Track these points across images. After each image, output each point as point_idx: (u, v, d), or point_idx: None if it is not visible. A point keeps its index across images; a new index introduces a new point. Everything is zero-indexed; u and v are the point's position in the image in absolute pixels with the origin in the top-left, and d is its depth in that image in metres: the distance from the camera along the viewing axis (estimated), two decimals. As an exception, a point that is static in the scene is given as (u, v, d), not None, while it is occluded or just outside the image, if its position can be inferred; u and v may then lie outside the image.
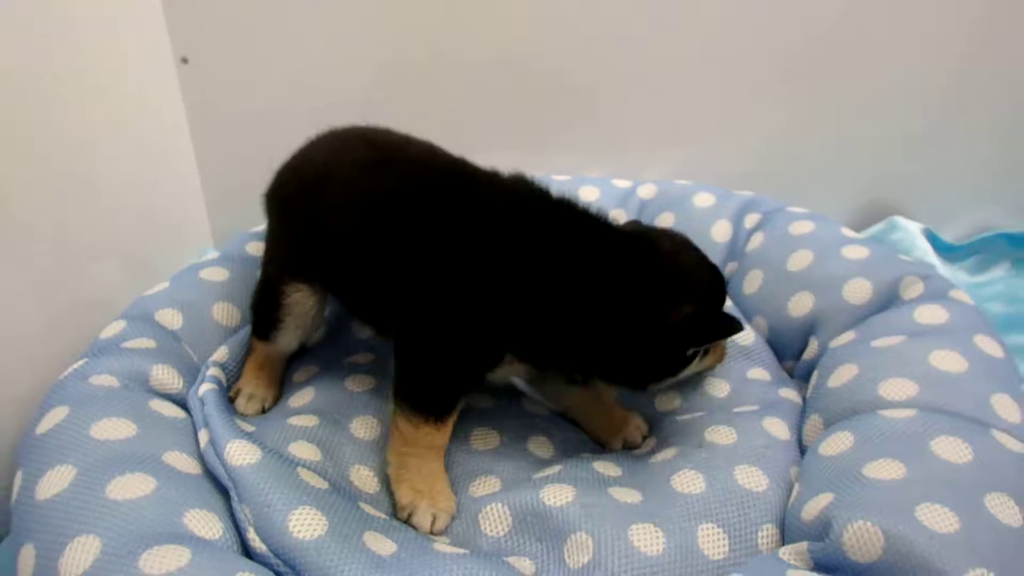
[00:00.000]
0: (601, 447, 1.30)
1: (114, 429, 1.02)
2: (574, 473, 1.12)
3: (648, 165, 1.81)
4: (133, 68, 1.64)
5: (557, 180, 1.73)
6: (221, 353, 1.34)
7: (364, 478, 1.13)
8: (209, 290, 1.41)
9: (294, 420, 1.19)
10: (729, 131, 1.81)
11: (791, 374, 1.40)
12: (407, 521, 1.06)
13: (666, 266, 1.12)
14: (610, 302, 1.07)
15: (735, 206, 1.60)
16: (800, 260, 1.42)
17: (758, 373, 1.37)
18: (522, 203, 1.12)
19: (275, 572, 0.91)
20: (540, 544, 1.03)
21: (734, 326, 1.10)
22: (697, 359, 1.17)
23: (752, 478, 1.08)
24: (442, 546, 1.00)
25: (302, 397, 1.29)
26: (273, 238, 1.32)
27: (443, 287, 1.06)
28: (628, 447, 1.27)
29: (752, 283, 1.47)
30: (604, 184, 1.73)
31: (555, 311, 1.06)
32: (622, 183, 1.73)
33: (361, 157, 1.21)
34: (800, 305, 1.37)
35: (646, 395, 1.34)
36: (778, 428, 1.18)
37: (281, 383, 1.35)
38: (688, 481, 1.08)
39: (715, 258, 1.54)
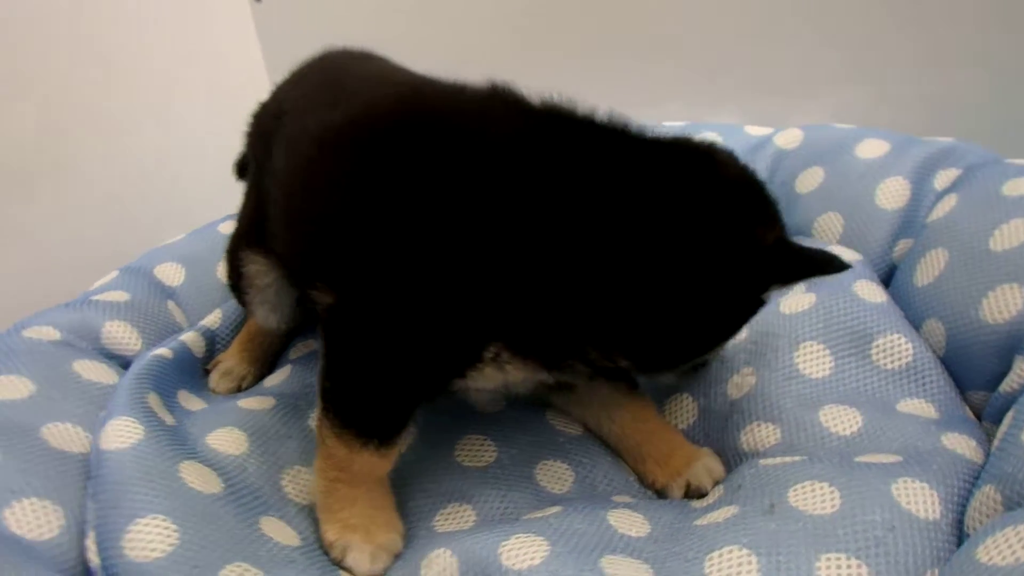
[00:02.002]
0: (655, 492, 0.90)
1: (4, 388, 0.85)
2: (570, 523, 0.76)
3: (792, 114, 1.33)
4: (208, 8, 1.55)
5: (668, 126, 1.33)
6: (214, 317, 1.15)
7: (300, 483, 0.86)
8: (221, 246, 1.21)
9: (246, 402, 0.96)
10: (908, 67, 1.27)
11: (978, 413, 0.90)
12: (340, 564, 0.77)
13: (737, 180, 0.76)
14: (663, 229, 0.71)
15: (919, 157, 1.10)
16: (1011, 235, 0.90)
17: (917, 406, 0.89)
18: (501, 122, 0.76)
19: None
20: (484, 624, 0.68)
21: (835, 262, 0.74)
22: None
23: (847, 578, 0.64)
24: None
25: (279, 376, 1.05)
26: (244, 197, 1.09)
27: (388, 246, 0.74)
28: (692, 495, 0.87)
29: (931, 268, 0.98)
30: (729, 130, 1.29)
31: (571, 262, 0.71)
32: (756, 130, 1.28)
33: (311, 89, 0.93)
34: (1003, 304, 0.87)
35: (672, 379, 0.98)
36: (921, 498, 0.72)
37: (271, 361, 1.12)
38: (732, 566, 0.67)
39: (881, 232, 1.07)
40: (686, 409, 0.99)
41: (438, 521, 0.83)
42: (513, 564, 0.70)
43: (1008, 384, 0.84)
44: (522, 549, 0.71)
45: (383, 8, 1.53)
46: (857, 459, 0.79)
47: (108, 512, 0.71)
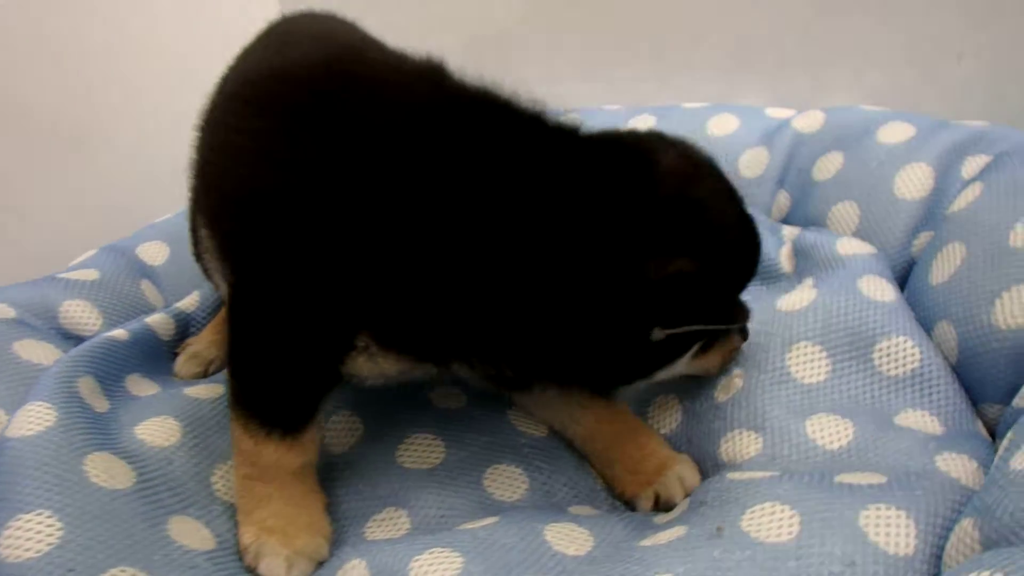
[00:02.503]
0: (625, 503, 0.82)
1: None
2: (497, 537, 0.69)
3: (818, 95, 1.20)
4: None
5: (686, 108, 1.23)
6: (191, 300, 1.11)
7: (232, 481, 0.80)
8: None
9: (195, 390, 0.91)
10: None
11: (991, 429, 0.78)
12: (254, 571, 0.72)
13: (659, 193, 0.64)
14: (546, 242, 0.63)
15: (947, 143, 0.97)
16: (1037, 230, 0.78)
17: (919, 419, 0.78)
18: (416, 97, 0.69)
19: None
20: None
21: (743, 312, 0.66)
22: (689, 354, 0.69)
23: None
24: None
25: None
26: None
27: (270, 216, 0.67)
28: (662, 507, 0.78)
29: (945, 266, 0.86)
30: (748, 113, 1.18)
31: (445, 257, 0.64)
32: (778, 112, 1.17)
33: (253, 46, 0.88)
34: (1018, 308, 0.75)
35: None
36: (893, 529, 0.62)
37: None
38: (663, 597, 0.58)
39: (899, 224, 0.95)
40: (671, 411, 0.90)
41: (370, 527, 0.77)
42: (421, 581, 0.63)
43: (1021, 398, 0.73)
44: (433, 565, 0.65)
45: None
46: (836, 478, 0.69)
47: (-7, 507, 0.67)
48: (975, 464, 0.70)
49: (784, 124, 1.14)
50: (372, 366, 0.71)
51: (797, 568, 0.59)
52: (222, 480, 0.81)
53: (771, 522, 0.64)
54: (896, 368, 0.82)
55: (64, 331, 0.98)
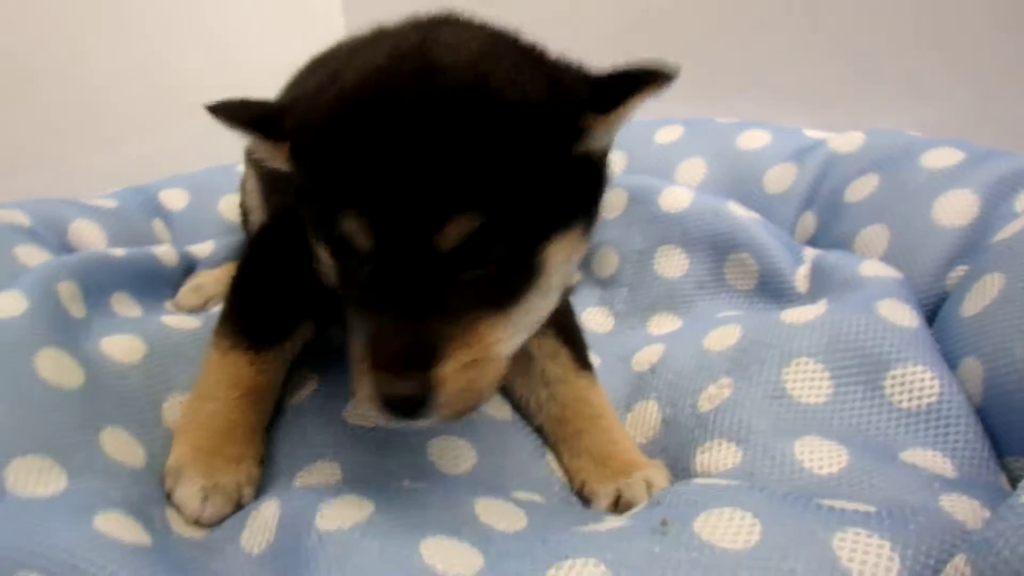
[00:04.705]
0: (581, 498, 0.71)
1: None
2: (419, 498, 0.59)
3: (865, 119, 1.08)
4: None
5: (720, 123, 1.13)
6: (204, 247, 1.08)
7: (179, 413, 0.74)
8: (234, 183, 1.14)
9: (173, 319, 0.86)
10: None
11: (1014, 484, 0.64)
12: (171, 498, 0.64)
13: None
14: None
15: (999, 172, 0.85)
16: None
17: (928, 459, 0.65)
18: None
19: None
20: (278, 587, 0.53)
21: None
22: None
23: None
24: (113, 523, 0.56)
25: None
26: None
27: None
28: (621, 508, 0.67)
29: (979, 297, 0.73)
30: (783, 131, 1.08)
31: None
32: (815, 133, 1.06)
33: None
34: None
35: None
36: (872, 559, 0.50)
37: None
38: (578, 582, 0.47)
39: (934, 253, 0.83)
40: (649, 419, 0.79)
41: (301, 476, 0.68)
42: (322, 524, 0.54)
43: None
44: (341, 511, 0.55)
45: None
46: (817, 500, 0.57)
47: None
48: (987, 513, 0.57)
49: (819, 143, 1.03)
50: None
51: (751, 578, 0.47)
52: (171, 410, 0.74)
53: (728, 527, 0.52)
54: (909, 400, 0.69)
55: (70, 247, 0.95)
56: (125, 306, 0.88)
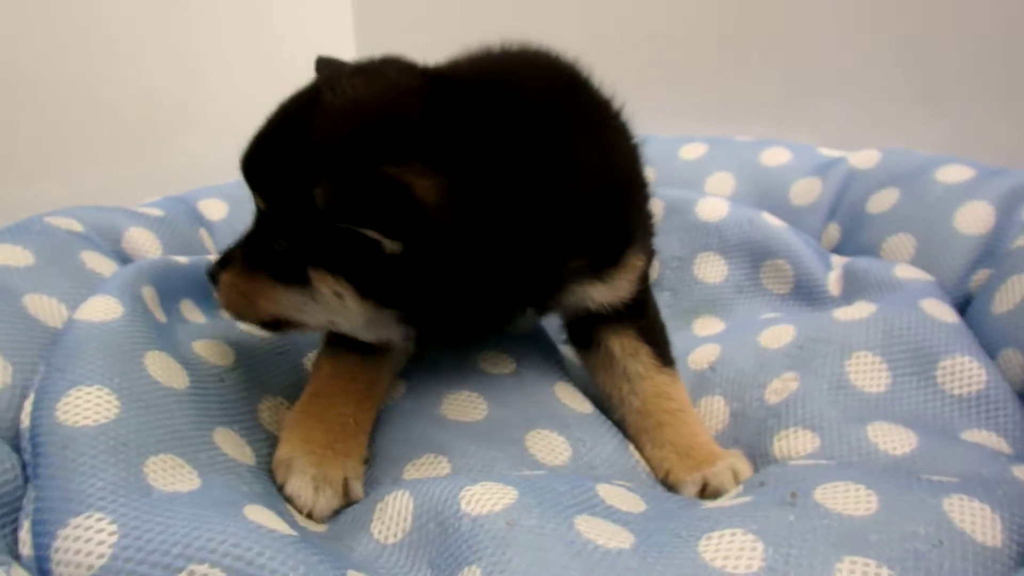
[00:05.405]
0: (666, 486, 0.75)
1: (4, 254, 0.78)
2: (550, 482, 0.62)
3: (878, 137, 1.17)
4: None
5: (741, 141, 1.21)
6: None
7: (278, 417, 0.75)
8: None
9: (247, 326, 0.85)
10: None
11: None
12: (282, 491, 0.65)
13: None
14: None
15: (1005, 187, 0.94)
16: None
17: (982, 437, 0.72)
18: None
19: (22, 462, 0.58)
20: (430, 572, 0.55)
21: None
22: None
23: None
24: (264, 515, 0.57)
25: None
26: None
27: None
28: (708, 495, 0.71)
29: (1011, 295, 0.81)
30: (800, 148, 1.15)
31: None
32: (831, 152, 1.15)
33: None
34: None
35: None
36: (979, 520, 0.55)
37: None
38: (732, 550, 0.52)
39: (958, 258, 0.91)
40: (717, 413, 0.84)
41: (408, 470, 0.70)
42: (471, 509, 0.57)
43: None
44: (486, 495, 0.58)
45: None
46: (911, 477, 0.62)
47: (52, 374, 0.62)
48: (1050, 480, 0.63)
49: (839, 160, 1.11)
50: None
51: (879, 541, 0.52)
52: (268, 412, 0.75)
53: (847, 498, 0.57)
54: (960, 388, 0.76)
55: (125, 255, 0.94)
56: (193, 313, 0.88)
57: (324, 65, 0.78)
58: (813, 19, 1.21)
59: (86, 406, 0.59)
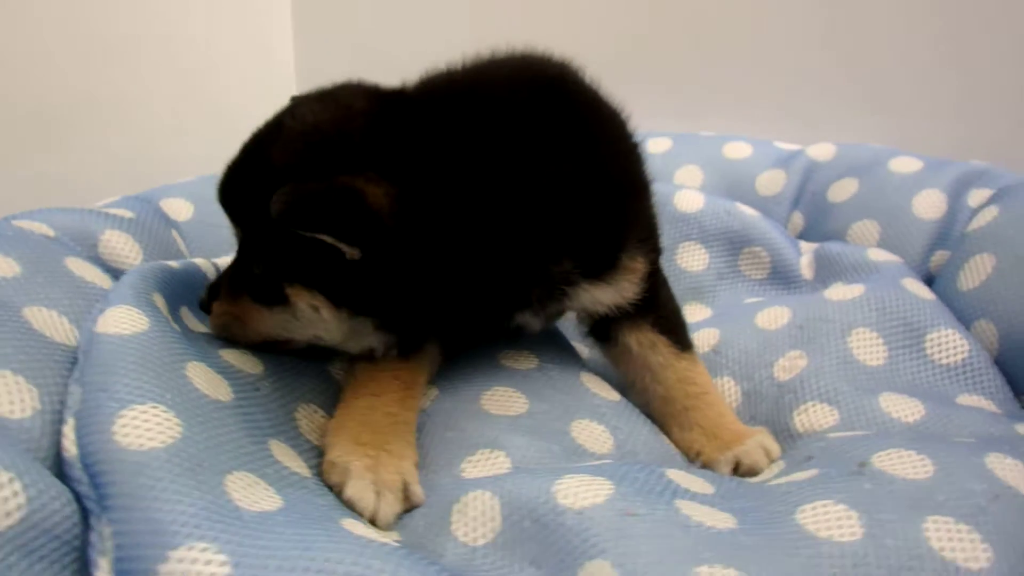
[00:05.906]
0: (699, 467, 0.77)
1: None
2: (626, 471, 0.63)
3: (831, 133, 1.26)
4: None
5: (703, 136, 1.26)
6: (226, 261, 0.99)
7: (315, 423, 0.72)
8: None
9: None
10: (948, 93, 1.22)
11: (1031, 416, 0.80)
12: (340, 495, 0.62)
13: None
14: None
15: (952, 176, 1.04)
16: (1065, 242, 0.83)
17: (975, 401, 0.79)
18: None
19: (75, 493, 0.51)
20: (534, 571, 0.54)
21: None
22: None
23: (958, 542, 0.52)
24: (360, 527, 0.54)
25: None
26: None
27: None
28: (742, 474, 0.74)
29: (975, 273, 0.90)
30: (760, 143, 1.22)
31: None
32: (788, 146, 1.22)
33: None
34: (1062, 303, 0.79)
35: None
36: (1020, 474, 0.61)
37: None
38: (831, 520, 0.54)
39: (919, 241, 0.99)
40: (729, 393, 0.88)
41: (465, 468, 0.69)
42: (572, 503, 0.56)
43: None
44: (582, 488, 0.58)
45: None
46: (932, 439, 0.68)
47: (95, 395, 0.56)
48: (1042, 434, 0.72)
49: (798, 153, 1.19)
50: None
51: (947, 500, 0.57)
52: (306, 420, 0.71)
53: (903, 463, 0.62)
54: (947, 357, 0.84)
55: (103, 261, 0.85)
56: (190, 321, 0.81)
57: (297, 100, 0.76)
58: (772, 24, 1.28)
59: (146, 427, 0.54)
